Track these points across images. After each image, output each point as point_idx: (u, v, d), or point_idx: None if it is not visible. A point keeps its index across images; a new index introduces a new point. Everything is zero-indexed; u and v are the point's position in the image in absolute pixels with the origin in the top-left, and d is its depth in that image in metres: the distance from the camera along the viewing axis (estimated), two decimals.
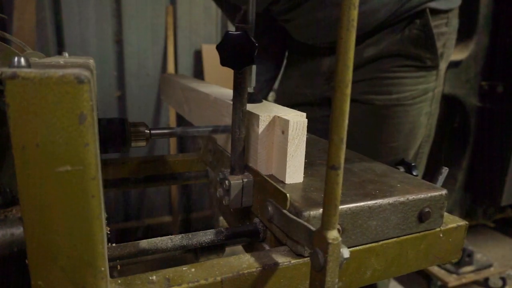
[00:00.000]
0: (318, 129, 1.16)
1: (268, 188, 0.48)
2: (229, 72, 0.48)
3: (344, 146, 0.31)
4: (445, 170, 0.56)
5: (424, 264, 0.51)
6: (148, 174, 0.80)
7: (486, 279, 1.96)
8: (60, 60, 0.44)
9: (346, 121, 0.30)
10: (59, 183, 0.30)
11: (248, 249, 0.56)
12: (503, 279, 1.93)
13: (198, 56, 2.17)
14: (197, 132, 0.60)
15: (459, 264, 1.84)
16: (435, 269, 1.85)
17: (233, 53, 0.45)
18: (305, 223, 0.38)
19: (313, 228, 0.36)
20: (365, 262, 0.47)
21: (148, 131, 0.56)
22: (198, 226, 2.34)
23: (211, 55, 2.11)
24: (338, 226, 0.43)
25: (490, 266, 1.93)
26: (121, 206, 2.22)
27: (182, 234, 0.48)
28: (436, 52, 0.93)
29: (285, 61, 1.26)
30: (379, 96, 0.96)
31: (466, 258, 1.86)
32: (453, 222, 0.52)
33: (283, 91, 1.24)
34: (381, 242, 0.47)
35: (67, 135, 0.29)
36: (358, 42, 0.96)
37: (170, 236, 0.47)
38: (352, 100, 1.12)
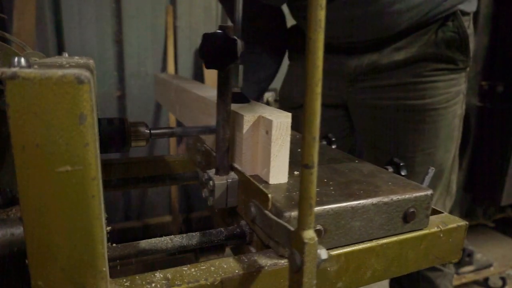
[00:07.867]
0: (340, 130, 1.13)
1: (252, 189, 0.48)
2: None
3: (317, 144, 0.31)
4: (431, 170, 0.56)
5: (424, 264, 0.51)
6: (148, 174, 0.80)
7: (486, 279, 1.96)
8: (60, 60, 0.44)
9: (318, 120, 0.30)
10: (59, 183, 0.30)
11: (235, 251, 0.55)
12: (503, 279, 1.93)
13: (198, 56, 2.17)
14: (197, 132, 0.60)
15: (459, 264, 1.84)
16: None
17: (214, 53, 0.44)
18: (285, 223, 0.37)
19: (292, 228, 0.35)
20: (365, 262, 0.47)
21: (148, 131, 0.56)
22: (198, 226, 2.34)
23: None
24: (320, 227, 0.43)
25: (490, 266, 1.93)
26: (121, 206, 2.22)
27: (182, 234, 0.48)
28: (469, 53, 0.93)
29: (291, 62, 1.22)
30: (413, 102, 0.95)
31: (466, 258, 1.86)
32: (453, 222, 0.52)
33: (290, 92, 1.19)
34: (381, 242, 0.47)
35: (67, 135, 0.29)
36: (384, 45, 0.95)
37: (170, 236, 0.47)
38: (383, 107, 1.01)
